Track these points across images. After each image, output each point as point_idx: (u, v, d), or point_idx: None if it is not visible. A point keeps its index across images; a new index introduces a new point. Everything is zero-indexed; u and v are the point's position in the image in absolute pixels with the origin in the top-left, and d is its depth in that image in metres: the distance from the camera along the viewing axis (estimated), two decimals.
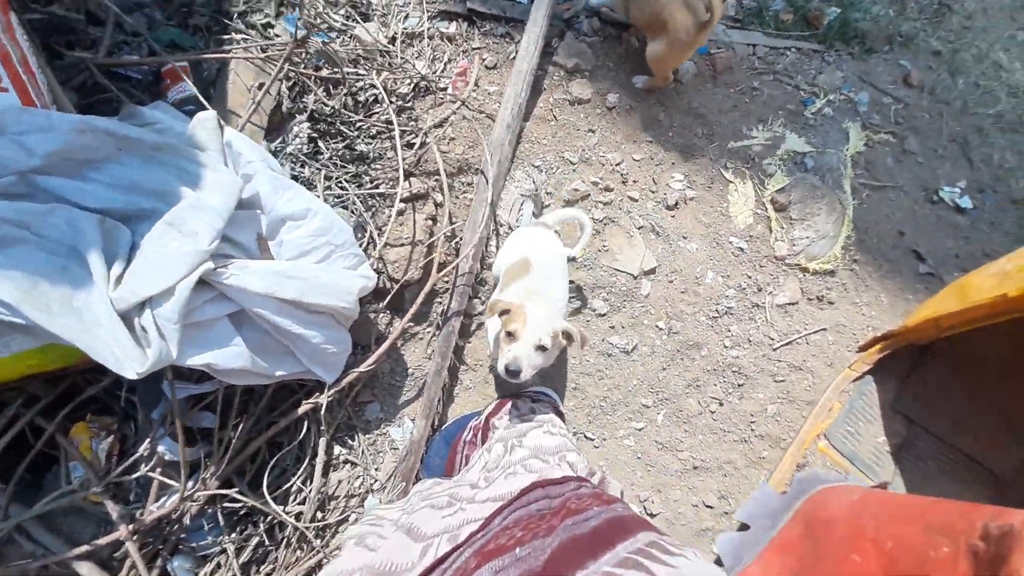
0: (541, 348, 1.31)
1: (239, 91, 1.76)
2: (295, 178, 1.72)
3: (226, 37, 1.85)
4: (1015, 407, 1.60)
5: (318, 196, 1.64)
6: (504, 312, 1.41)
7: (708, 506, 1.87)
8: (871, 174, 2.37)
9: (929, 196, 2.39)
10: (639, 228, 2.11)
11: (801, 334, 2.08)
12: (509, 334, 1.33)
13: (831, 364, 2.07)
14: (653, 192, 2.18)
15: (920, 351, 1.63)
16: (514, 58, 2.09)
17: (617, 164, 2.17)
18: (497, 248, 2.00)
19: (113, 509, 1.38)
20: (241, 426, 1.55)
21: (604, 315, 2.00)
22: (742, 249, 2.16)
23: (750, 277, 2.13)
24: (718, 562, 1.34)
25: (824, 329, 2.10)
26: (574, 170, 2.14)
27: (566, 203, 2.09)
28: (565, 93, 2.24)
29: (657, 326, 2.02)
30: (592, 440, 1.91)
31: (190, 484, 1.48)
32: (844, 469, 1.54)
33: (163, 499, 1.50)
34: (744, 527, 1.38)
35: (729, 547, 1.34)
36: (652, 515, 1.84)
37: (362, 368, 1.64)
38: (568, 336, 1.38)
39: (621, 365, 1.97)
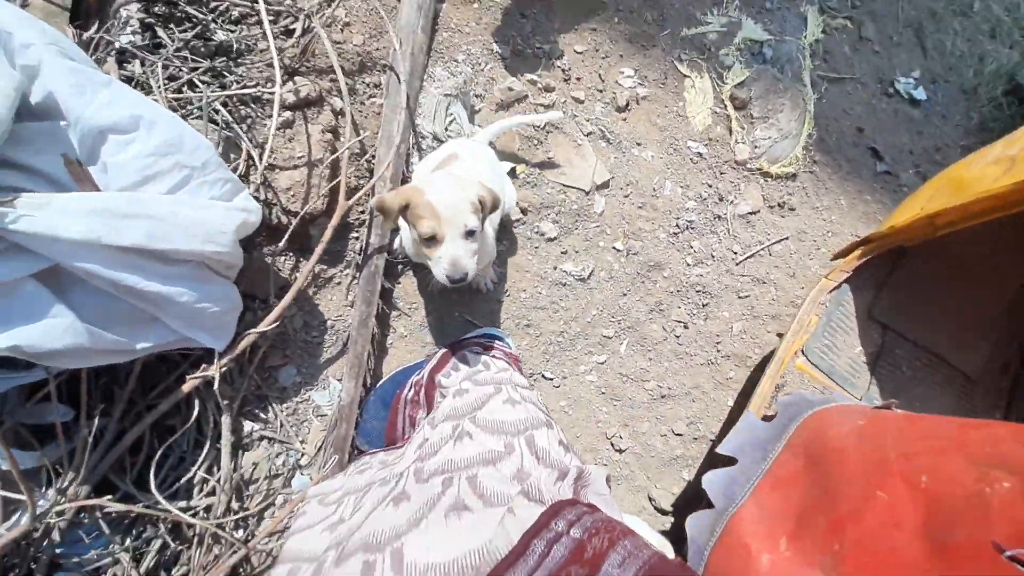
0: (470, 234, 1.02)
1: None
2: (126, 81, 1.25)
3: None
4: (986, 306, 1.53)
5: (156, 100, 1.19)
6: (404, 209, 1.07)
7: (677, 434, 1.75)
8: (830, 65, 2.16)
9: (885, 88, 2.24)
10: (587, 135, 1.81)
11: (763, 245, 1.92)
12: (428, 240, 1.02)
13: (793, 275, 1.94)
14: (600, 92, 1.86)
15: (898, 255, 1.50)
16: None
17: (557, 58, 1.81)
18: None
19: None
20: (111, 415, 1.21)
21: (555, 239, 1.73)
22: (701, 155, 1.92)
23: (711, 186, 1.91)
24: (707, 504, 1.19)
25: (787, 238, 1.95)
26: (506, 66, 1.76)
27: (499, 106, 1.73)
28: None
29: (614, 247, 1.79)
30: (551, 379, 1.70)
31: (50, 493, 1.15)
32: (823, 385, 1.42)
33: (16, 515, 1.16)
34: (730, 462, 1.22)
35: (718, 485, 1.18)
36: (620, 451, 1.70)
37: (262, 327, 1.30)
38: (483, 204, 1.07)
39: (577, 294, 1.74)
